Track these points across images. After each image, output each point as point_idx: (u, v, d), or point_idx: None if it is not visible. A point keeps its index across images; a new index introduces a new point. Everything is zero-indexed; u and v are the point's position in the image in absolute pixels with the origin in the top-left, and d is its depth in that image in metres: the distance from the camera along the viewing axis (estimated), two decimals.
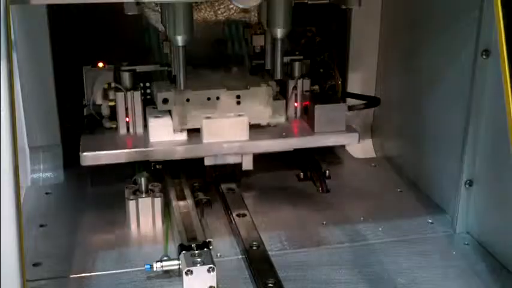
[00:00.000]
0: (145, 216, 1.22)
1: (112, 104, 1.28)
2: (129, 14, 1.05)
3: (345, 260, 1.13)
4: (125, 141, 1.26)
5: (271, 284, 1.03)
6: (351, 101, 1.45)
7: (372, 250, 1.17)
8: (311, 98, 1.35)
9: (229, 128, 1.25)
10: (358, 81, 1.54)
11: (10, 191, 0.74)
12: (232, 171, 1.35)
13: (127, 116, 1.28)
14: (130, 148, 1.23)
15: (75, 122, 1.39)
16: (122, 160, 1.24)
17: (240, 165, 1.32)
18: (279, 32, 1.18)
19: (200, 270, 1.00)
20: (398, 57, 1.47)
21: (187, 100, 1.25)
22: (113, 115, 1.29)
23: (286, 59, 1.35)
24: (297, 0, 1.16)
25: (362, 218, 1.27)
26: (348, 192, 1.38)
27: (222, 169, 1.34)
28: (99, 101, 1.29)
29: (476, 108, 1.13)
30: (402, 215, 1.29)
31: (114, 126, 1.29)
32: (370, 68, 1.55)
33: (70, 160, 1.38)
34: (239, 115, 1.26)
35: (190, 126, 1.26)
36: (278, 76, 1.22)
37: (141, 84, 1.32)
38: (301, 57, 1.39)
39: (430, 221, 1.27)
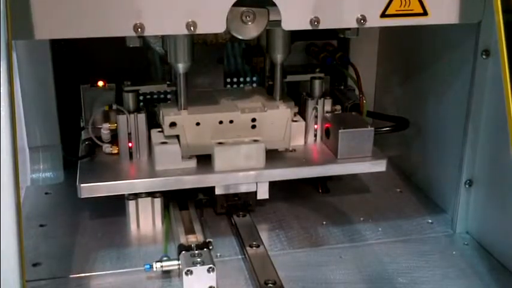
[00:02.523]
0: (145, 216, 1.22)
1: (113, 127, 1.17)
2: (131, 46, 1.01)
3: (345, 260, 1.13)
4: (128, 170, 1.15)
5: (271, 284, 1.02)
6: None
7: (371, 250, 1.17)
8: (333, 119, 1.24)
9: (243, 155, 1.13)
10: None
11: (10, 191, 0.74)
12: (245, 201, 1.24)
13: (130, 141, 1.17)
14: (133, 178, 1.13)
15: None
16: (125, 192, 1.17)
17: (254, 193, 1.19)
18: (279, 58, 1.19)
19: (200, 270, 1.00)
20: (398, 57, 1.47)
21: (197, 124, 1.13)
22: (114, 139, 1.18)
23: (306, 77, 1.27)
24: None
25: (362, 218, 1.27)
26: (348, 192, 1.38)
27: (235, 198, 1.24)
28: (98, 123, 1.20)
29: (476, 108, 1.13)
30: (402, 215, 1.29)
31: (115, 151, 1.18)
32: (370, 68, 1.55)
33: (70, 160, 1.38)
34: (255, 140, 1.15)
35: (200, 152, 1.15)
36: (277, 98, 1.22)
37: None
38: (322, 74, 1.27)
39: (430, 221, 1.27)
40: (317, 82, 1.26)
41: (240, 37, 1.03)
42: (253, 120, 1.16)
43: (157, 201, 1.22)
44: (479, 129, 1.14)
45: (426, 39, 1.31)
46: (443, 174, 1.29)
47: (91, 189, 1.10)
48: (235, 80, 1.48)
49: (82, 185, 1.09)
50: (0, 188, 0.73)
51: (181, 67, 1.12)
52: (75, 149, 1.25)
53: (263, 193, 1.19)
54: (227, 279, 1.06)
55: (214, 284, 1.01)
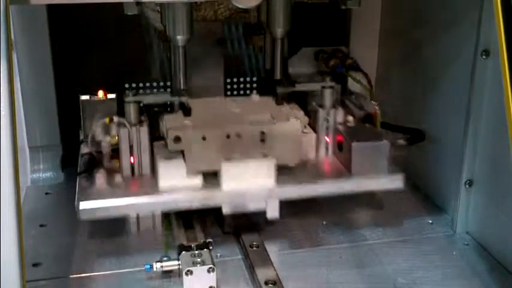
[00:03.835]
0: (145, 216, 1.22)
1: (114, 140, 1.12)
2: (129, 13, 0.98)
3: (344, 260, 1.13)
4: (129, 187, 1.09)
5: (271, 284, 1.02)
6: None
7: (371, 250, 1.17)
8: (346, 132, 1.16)
9: (253, 172, 1.06)
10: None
11: (10, 191, 0.74)
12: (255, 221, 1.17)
13: (132, 155, 1.11)
14: (136, 195, 1.06)
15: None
16: (126, 212, 1.09)
17: (263, 213, 1.11)
18: (279, 33, 1.18)
19: (200, 271, 1.00)
20: (398, 58, 1.47)
21: (204, 138, 1.06)
22: (115, 153, 1.13)
23: (317, 86, 1.20)
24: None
25: (362, 219, 1.27)
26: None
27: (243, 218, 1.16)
28: (99, 136, 1.14)
29: (476, 108, 1.13)
30: (402, 215, 1.29)
31: (116, 166, 1.13)
32: (370, 69, 1.55)
33: (70, 160, 1.38)
34: (264, 156, 1.08)
35: (206, 169, 1.08)
36: (278, 76, 1.20)
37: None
38: (333, 83, 1.20)
39: (430, 221, 1.27)
40: (328, 91, 1.19)
41: (239, 5, 0.99)
42: (262, 133, 1.09)
43: None
44: (479, 129, 1.14)
45: (426, 40, 1.31)
46: (443, 174, 1.29)
47: (91, 209, 1.04)
48: (235, 80, 1.49)
49: (81, 203, 1.03)
50: (0, 188, 0.73)
51: (180, 39, 1.10)
52: (75, 148, 1.24)
53: (273, 211, 1.10)
54: (227, 280, 1.06)
55: (214, 284, 1.01)
